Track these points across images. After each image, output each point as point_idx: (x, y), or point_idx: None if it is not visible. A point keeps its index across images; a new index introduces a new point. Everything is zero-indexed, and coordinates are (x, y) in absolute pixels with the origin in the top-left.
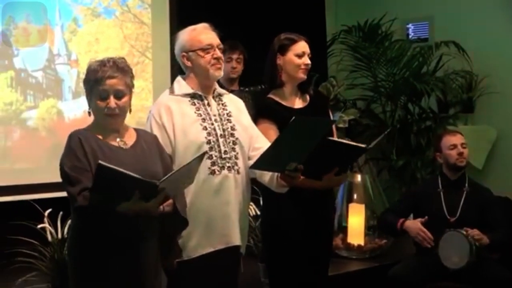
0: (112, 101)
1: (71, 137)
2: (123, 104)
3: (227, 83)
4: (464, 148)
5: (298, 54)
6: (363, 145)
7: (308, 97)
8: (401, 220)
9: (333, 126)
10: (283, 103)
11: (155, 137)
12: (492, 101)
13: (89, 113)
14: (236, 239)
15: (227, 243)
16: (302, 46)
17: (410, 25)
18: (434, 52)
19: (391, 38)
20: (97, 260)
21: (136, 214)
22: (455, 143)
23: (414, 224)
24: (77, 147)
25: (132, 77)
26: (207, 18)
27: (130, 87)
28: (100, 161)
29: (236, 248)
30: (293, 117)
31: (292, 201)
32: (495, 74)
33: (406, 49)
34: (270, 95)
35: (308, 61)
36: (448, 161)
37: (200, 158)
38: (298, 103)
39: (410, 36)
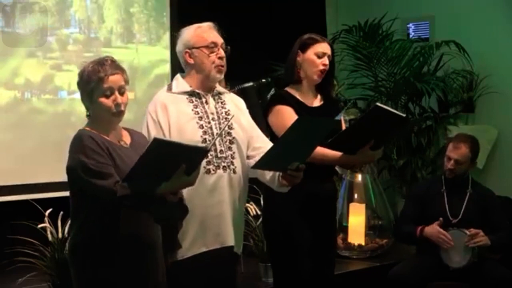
0: (119, 97)
1: (82, 136)
2: (126, 101)
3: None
4: (458, 164)
5: (317, 53)
6: (403, 114)
7: (323, 99)
8: (419, 228)
9: (343, 123)
10: (299, 97)
11: (143, 136)
12: (492, 100)
13: (88, 115)
14: (230, 240)
15: (221, 243)
16: (323, 47)
17: (410, 25)
18: (434, 51)
19: (391, 38)
20: (111, 261)
21: (174, 193)
22: (450, 156)
23: (433, 229)
24: (93, 144)
25: (126, 74)
26: (207, 18)
27: (127, 84)
28: (155, 136)
29: (230, 248)
30: (297, 117)
31: (293, 201)
32: (495, 73)
33: (406, 49)
34: (287, 89)
35: (327, 62)
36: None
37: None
38: (313, 102)
39: (410, 36)
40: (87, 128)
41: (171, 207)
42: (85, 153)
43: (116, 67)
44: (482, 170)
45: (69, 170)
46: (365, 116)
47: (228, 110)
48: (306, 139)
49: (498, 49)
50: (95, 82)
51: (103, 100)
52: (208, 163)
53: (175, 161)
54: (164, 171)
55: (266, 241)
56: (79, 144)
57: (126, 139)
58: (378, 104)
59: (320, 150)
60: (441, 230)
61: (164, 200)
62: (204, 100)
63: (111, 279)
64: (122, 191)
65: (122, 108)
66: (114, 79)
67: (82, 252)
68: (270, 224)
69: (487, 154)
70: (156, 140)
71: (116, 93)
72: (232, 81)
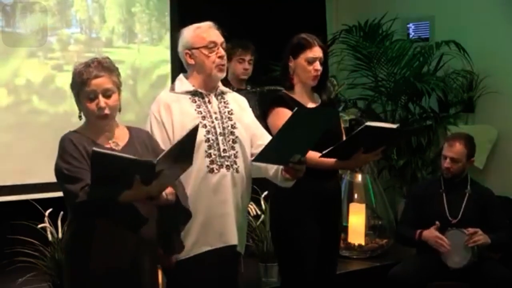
0: (102, 101)
1: (63, 140)
2: (113, 103)
3: (236, 83)
4: (454, 162)
5: (308, 59)
6: (394, 126)
7: (319, 99)
8: (417, 232)
9: (341, 123)
10: (297, 99)
11: (148, 134)
12: (492, 100)
13: (79, 117)
14: (233, 239)
15: (224, 242)
16: (314, 51)
17: (410, 25)
18: (434, 51)
19: (391, 38)
20: (91, 262)
21: (140, 202)
22: (445, 154)
23: (430, 234)
24: (72, 148)
25: (119, 75)
26: (207, 17)
27: (118, 85)
28: (94, 148)
29: (234, 247)
30: (296, 108)
31: (298, 201)
32: (495, 73)
33: (406, 49)
34: (285, 91)
35: (318, 67)
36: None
37: (193, 133)
38: (311, 103)
39: (410, 36)
40: (77, 130)
41: (172, 212)
42: (62, 158)
43: (102, 69)
44: (482, 170)
45: (55, 173)
46: (355, 135)
47: (231, 109)
48: (306, 131)
49: (498, 49)
50: (79, 85)
51: (87, 103)
52: (212, 162)
53: (126, 171)
54: (122, 179)
55: (272, 241)
56: (60, 148)
57: (122, 139)
58: (368, 124)
59: (314, 158)
60: (439, 234)
61: (132, 207)
62: (207, 99)
63: (99, 282)
64: (82, 196)
65: (107, 111)
66: (98, 82)
67: (69, 247)
68: (276, 224)
69: (487, 154)
70: (94, 152)
71: (100, 96)
72: (252, 83)
